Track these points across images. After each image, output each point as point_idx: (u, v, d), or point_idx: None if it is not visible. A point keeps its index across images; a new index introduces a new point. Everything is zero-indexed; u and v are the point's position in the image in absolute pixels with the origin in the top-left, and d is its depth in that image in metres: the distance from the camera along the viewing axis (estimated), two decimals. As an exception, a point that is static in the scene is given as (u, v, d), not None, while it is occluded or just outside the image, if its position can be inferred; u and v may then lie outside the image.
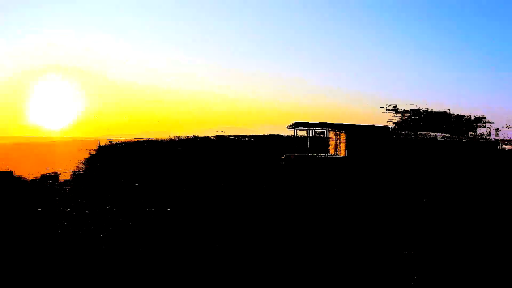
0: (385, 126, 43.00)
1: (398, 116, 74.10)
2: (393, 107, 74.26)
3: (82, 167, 34.45)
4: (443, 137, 43.83)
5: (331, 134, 47.84)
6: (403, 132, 49.70)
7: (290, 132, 57.91)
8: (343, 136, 41.41)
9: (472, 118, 74.23)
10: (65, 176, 27.58)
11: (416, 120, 71.02)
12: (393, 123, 73.46)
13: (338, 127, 42.48)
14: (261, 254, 10.17)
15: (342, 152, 41.23)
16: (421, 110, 73.75)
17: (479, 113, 75.27)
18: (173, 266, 9.24)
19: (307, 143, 45.99)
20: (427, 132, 50.10)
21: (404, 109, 74.25)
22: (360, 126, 41.26)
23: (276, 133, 69.10)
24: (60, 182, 24.05)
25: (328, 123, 42.59)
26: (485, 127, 74.79)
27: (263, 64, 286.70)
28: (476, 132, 73.12)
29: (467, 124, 71.86)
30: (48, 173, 27.49)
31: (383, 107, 74.68)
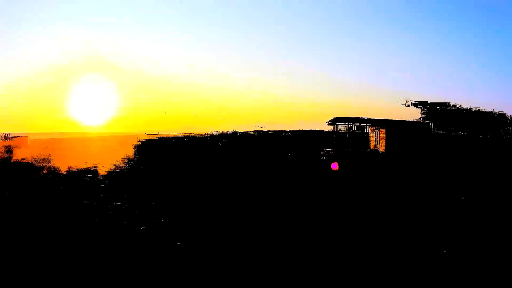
0: (424, 122, 42.15)
1: (424, 112, 71.45)
2: (420, 102, 71.81)
3: (122, 162, 35.14)
4: (479, 134, 42.63)
5: (370, 130, 47.20)
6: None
7: (329, 127, 57.45)
8: (383, 131, 40.79)
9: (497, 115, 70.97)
10: (104, 170, 28.16)
11: (444, 116, 68.70)
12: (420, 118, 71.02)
13: (378, 123, 41.88)
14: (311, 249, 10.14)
15: (382, 148, 40.63)
16: (451, 106, 71.11)
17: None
18: (213, 259, 9.31)
19: (347, 138, 45.56)
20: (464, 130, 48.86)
21: (432, 103, 71.60)
22: (400, 121, 40.58)
23: (315, 129, 68.62)
24: (100, 177, 24.59)
25: (368, 119, 42.04)
26: None
27: (303, 59, 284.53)
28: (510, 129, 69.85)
29: (498, 121, 68.97)
30: (87, 168, 28.16)
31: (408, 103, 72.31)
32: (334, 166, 29.97)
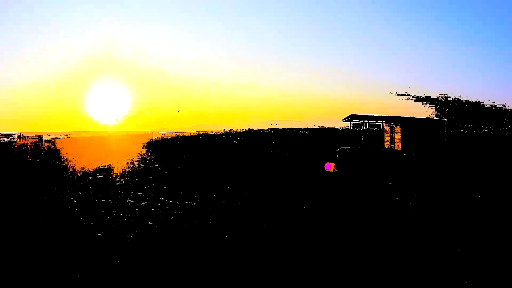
0: (439, 119, 41.74)
1: (439, 108, 70.10)
2: (438, 99, 70.47)
3: (136, 160, 35.39)
4: (495, 131, 42.07)
5: (386, 127, 46.95)
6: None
7: (344, 125, 57.24)
8: (398, 129, 40.55)
9: None
10: (119, 169, 28.38)
11: (459, 113, 67.30)
12: (434, 115, 69.65)
13: (393, 120, 41.65)
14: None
15: (397, 146, 40.40)
16: (465, 102, 69.47)
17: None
18: (229, 257, 9.36)
19: (362, 136, 45.35)
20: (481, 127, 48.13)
21: (451, 99, 70.21)
22: (415, 119, 40.30)
23: (330, 126, 68.49)
24: (114, 175, 24.79)
25: (384, 116, 41.83)
26: None
27: (318, 55, 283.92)
28: None
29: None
30: (102, 166, 28.44)
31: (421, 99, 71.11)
32: (328, 166, 29.79)
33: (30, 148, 46.31)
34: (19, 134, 61.33)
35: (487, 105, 68.38)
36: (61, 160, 34.84)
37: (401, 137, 39.48)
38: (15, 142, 54.58)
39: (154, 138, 57.88)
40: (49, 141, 56.97)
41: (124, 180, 22.56)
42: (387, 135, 46.46)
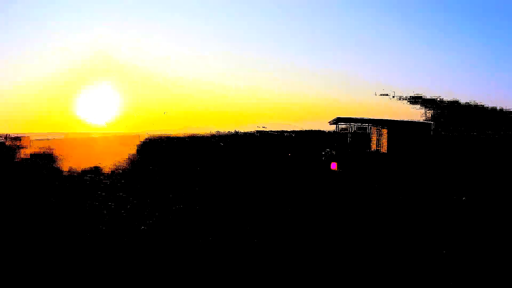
0: (426, 123, 42.06)
1: (429, 110, 69.65)
2: (425, 99, 70.08)
3: (123, 162, 35.12)
4: (492, 135, 42.42)
5: (372, 130, 47.16)
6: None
7: (331, 128, 57.34)
8: (385, 132, 40.74)
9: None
10: (105, 170, 28.13)
11: (453, 115, 67.03)
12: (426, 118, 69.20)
13: (380, 123, 41.84)
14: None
15: (384, 148, 40.57)
16: (462, 103, 68.96)
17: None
18: (213, 259, 9.29)
19: (349, 138, 45.50)
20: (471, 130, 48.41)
21: (442, 100, 69.80)
22: (402, 122, 40.53)
23: (317, 129, 68.53)
24: (101, 177, 24.57)
25: (370, 119, 42.02)
26: None
27: (305, 58, 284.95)
28: None
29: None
30: (89, 167, 28.15)
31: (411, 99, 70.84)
32: (333, 166, 29.86)
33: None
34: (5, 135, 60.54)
35: (479, 105, 68.23)
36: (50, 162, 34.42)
37: (387, 140, 39.65)
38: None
39: (141, 140, 57.46)
40: (16, 138, 56.40)
41: (110, 181, 22.36)
42: (373, 138, 46.66)
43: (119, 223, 12.78)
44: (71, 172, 26.65)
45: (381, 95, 73.11)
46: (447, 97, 70.47)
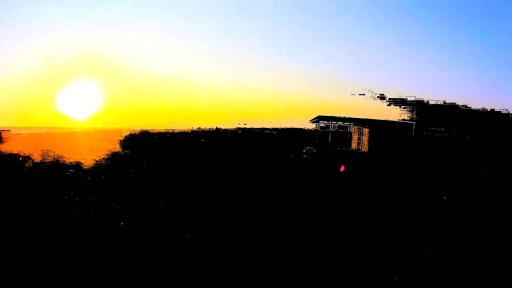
0: (408, 123, 42.53)
1: (407, 110, 70.06)
2: (400, 100, 70.59)
3: (104, 157, 34.80)
4: (469, 135, 43.03)
5: (353, 129, 47.52)
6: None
7: (313, 126, 57.63)
8: (366, 131, 41.07)
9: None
10: (86, 166, 27.85)
11: (434, 115, 67.39)
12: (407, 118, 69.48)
13: (361, 122, 42.16)
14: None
15: (365, 147, 40.91)
16: (431, 103, 69.28)
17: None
18: (191, 256, 9.27)
19: (330, 137, 45.77)
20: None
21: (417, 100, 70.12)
22: (383, 121, 40.91)
23: (298, 127, 68.85)
24: (82, 172, 24.31)
25: (352, 118, 42.31)
26: None
27: (287, 56, 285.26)
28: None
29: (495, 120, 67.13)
30: (70, 162, 27.85)
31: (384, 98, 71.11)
32: (342, 168, 29.85)
33: None
34: None
35: (461, 106, 68.84)
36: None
37: (369, 138, 39.98)
38: None
39: (123, 135, 57.01)
40: None
41: (91, 177, 22.15)
42: (354, 137, 47.01)
43: (97, 219, 12.68)
44: (51, 166, 26.31)
45: (360, 94, 73.42)
46: (431, 97, 71.12)
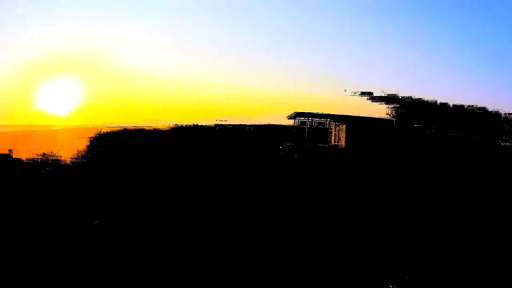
0: (386, 119, 42.83)
1: (391, 108, 70.03)
2: (388, 95, 70.40)
3: (81, 155, 34.32)
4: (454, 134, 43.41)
5: (331, 125, 47.69)
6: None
7: (291, 122, 57.68)
8: (343, 127, 41.23)
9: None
10: (63, 163, 27.43)
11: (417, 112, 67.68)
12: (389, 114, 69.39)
13: (339, 118, 42.31)
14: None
15: (342, 143, 41.07)
16: (425, 101, 69.57)
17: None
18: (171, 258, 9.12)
19: (307, 133, 45.83)
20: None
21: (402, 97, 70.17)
22: (361, 117, 41.09)
23: (277, 123, 68.87)
24: (59, 169, 23.90)
25: (329, 114, 42.41)
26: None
27: (265, 52, 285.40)
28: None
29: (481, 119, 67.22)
30: (46, 160, 27.38)
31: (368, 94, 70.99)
32: None
33: None
34: None
35: (443, 103, 68.99)
36: None
37: (346, 135, 40.15)
38: None
39: (99, 132, 56.37)
40: None
41: (68, 174, 21.78)
42: (332, 133, 47.19)
43: (71, 218, 12.42)
44: (27, 164, 25.83)
45: (353, 94, 73.25)
46: (414, 94, 71.21)
